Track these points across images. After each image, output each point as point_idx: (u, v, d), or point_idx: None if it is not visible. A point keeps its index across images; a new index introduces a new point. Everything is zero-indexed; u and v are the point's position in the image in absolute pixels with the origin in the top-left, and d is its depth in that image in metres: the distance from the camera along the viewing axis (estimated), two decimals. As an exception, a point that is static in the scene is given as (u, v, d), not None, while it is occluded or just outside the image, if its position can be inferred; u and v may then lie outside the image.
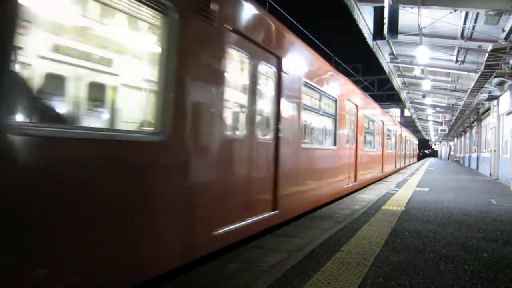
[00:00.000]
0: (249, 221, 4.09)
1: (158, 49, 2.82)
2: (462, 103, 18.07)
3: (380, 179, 13.74)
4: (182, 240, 3.04)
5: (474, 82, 12.65)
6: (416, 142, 36.02)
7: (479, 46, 11.53)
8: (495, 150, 15.38)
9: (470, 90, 14.02)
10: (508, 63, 10.67)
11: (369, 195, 8.74)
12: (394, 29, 7.78)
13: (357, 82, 30.10)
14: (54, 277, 2.05)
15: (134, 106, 3.15)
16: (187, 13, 2.98)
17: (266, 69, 4.60)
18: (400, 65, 16.48)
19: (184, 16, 2.93)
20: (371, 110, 11.86)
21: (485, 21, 8.73)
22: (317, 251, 3.87)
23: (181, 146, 2.98)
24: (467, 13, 9.92)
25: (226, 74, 3.58)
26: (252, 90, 4.25)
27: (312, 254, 3.75)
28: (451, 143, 46.30)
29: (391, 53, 15.00)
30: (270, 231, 4.85)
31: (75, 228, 2.13)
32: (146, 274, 2.67)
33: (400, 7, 8.36)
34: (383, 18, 7.82)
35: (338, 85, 7.81)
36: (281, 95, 4.85)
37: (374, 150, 12.42)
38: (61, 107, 2.77)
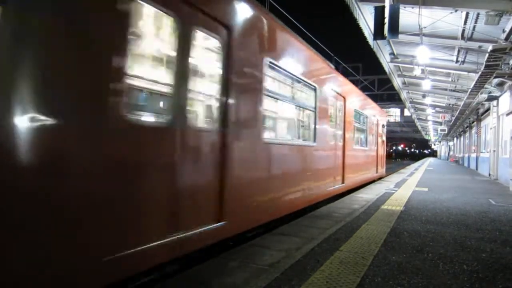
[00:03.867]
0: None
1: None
2: (462, 103, 18.08)
3: None
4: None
5: (474, 83, 12.65)
6: (383, 122, 16.00)
7: (479, 47, 11.53)
8: (494, 151, 15.40)
9: (470, 90, 14.03)
10: (508, 63, 10.67)
11: (368, 195, 8.75)
12: (394, 28, 7.79)
13: (357, 82, 30.13)
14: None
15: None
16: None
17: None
18: (400, 65, 16.48)
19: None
20: None
21: (485, 22, 8.73)
22: (316, 250, 3.88)
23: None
24: (467, 14, 9.92)
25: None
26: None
27: (311, 253, 3.76)
28: (451, 143, 46.35)
29: (392, 53, 15.00)
30: (269, 230, 4.86)
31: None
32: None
33: (401, 7, 8.37)
34: (384, 17, 7.83)
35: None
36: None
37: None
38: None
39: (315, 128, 6.64)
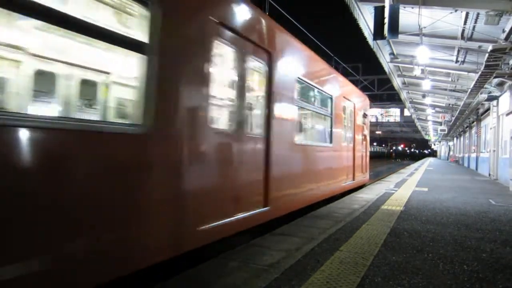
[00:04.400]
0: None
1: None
2: (461, 103, 18.09)
3: None
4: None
5: (474, 82, 12.66)
6: (364, 109, 11.33)
7: (479, 47, 11.54)
8: (494, 151, 15.40)
9: (470, 90, 14.04)
10: (508, 63, 10.68)
11: (368, 195, 8.75)
12: (394, 29, 7.79)
13: (357, 82, 30.21)
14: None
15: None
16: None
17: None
18: (400, 65, 16.49)
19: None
20: None
21: (485, 22, 8.74)
22: (316, 250, 3.87)
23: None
24: (467, 14, 9.93)
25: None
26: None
27: (311, 253, 3.76)
28: (451, 143, 46.39)
29: (392, 53, 15.01)
30: (269, 230, 4.85)
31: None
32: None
33: (401, 7, 8.37)
34: (383, 18, 7.83)
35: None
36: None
37: None
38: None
39: (156, 97, 2.94)
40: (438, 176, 16.42)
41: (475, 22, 10.21)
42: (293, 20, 10.80)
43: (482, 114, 20.15)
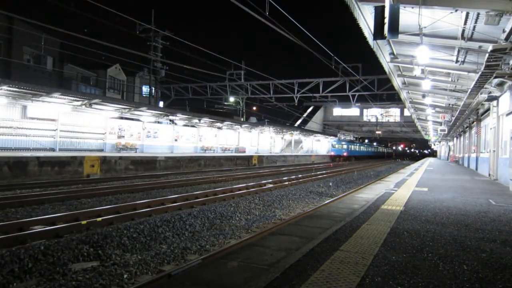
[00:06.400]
0: None
1: None
2: (461, 103, 18.08)
3: None
4: None
5: (474, 83, 12.65)
6: None
7: (480, 47, 11.53)
8: (494, 151, 15.41)
9: (470, 90, 14.03)
10: (508, 63, 10.68)
11: (368, 195, 8.75)
12: (394, 28, 7.79)
13: (357, 82, 30.19)
14: None
15: None
16: None
17: None
18: (400, 65, 16.48)
19: None
20: None
21: (485, 22, 8.73)
22: (316, 250, 3.87)
23: None
24: (467, 14, 9.92)
25: None
26: None
27: (311, 253, 3.76)
28: (451, 143, 46.40)
29: (392, 53, 15.00)
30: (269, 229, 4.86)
31: None
32: None
33: (401, 6, 8.37)
34: (383, 17, 7.83)
35: None
36: None
37: None
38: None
39: None
40: (438, 176, 16.42)
41: (475, 22, 10.20)
42: (293, 20, 10.79)
43: (482, 114, 20.15)
